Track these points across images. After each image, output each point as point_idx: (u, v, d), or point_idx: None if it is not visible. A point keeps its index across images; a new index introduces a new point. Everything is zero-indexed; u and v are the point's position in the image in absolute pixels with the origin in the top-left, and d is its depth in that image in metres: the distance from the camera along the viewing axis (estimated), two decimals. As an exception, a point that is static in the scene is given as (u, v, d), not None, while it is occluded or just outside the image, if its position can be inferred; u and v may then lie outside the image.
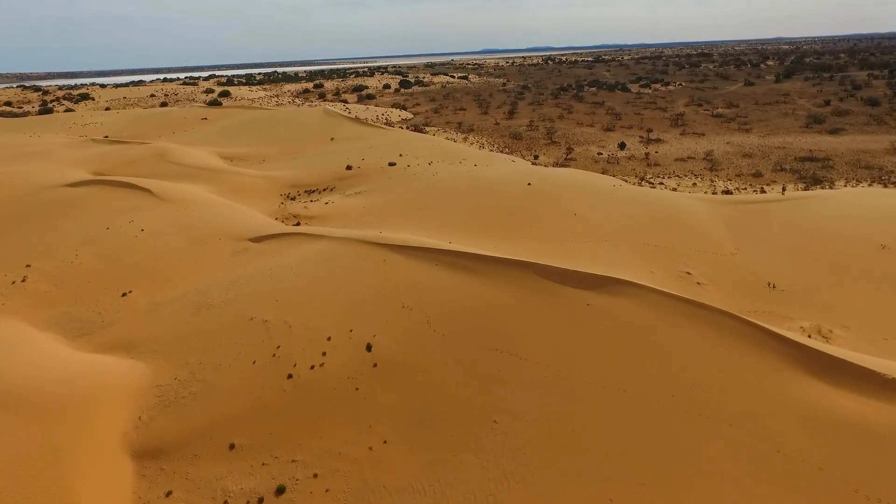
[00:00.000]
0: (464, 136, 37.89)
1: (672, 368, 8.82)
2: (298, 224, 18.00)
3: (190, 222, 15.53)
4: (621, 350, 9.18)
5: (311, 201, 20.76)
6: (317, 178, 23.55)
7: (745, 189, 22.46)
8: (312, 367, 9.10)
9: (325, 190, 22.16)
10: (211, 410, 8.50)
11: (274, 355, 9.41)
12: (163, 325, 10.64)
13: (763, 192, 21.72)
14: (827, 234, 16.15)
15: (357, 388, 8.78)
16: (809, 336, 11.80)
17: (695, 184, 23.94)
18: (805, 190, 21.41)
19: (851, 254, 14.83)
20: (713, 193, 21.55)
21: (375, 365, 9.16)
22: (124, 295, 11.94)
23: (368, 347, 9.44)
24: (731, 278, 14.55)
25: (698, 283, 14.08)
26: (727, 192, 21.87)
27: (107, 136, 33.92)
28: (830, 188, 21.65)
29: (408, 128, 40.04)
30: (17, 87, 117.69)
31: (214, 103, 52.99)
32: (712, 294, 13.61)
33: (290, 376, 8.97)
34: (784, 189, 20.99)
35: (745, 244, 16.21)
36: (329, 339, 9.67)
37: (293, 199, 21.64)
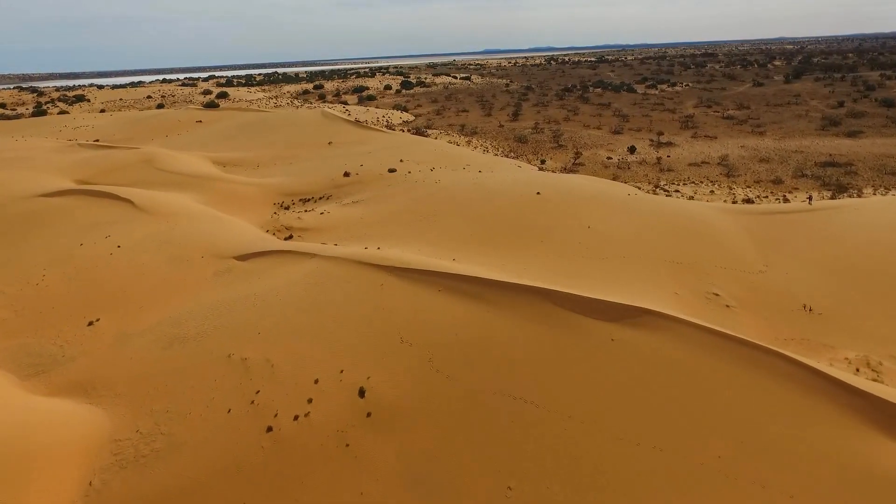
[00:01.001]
0: (467, 139, 36.62)
1: (714, 421, 7.53)
2: (291, 237, 16.75)
3: (171, 237, 14.28)
4: (654, 397, 7.90)
5: (306, 211, 19.51)
6: (312, 185, 22.30)
7: (767, 197, 21.15)
8: (296, 418, 7.82)
9: (321, 198, 20.91)
10: (175, 472, 7.23)
11: (252, 402, 8.14)
12: (129, 361, 9.38)
13: (786, 200, 20.39)
14: (862, 248, 14.83)
15: (347, 445, 7.50)
16: (857, 370, 10.53)
17: (712, 191, 22.62)
18: (832, 199, 20.08)
19: (892, 272, 13.54)
20: (733, 202, 20.24)
21: (369, 414, 7.89)
22: (91, 324, 10.69)
23: (361, 392, 8.17)
24: (762, 300, 13.24)
25: (728, 307, 12.79)
26: (748, 200, 20.56)
27: (97, 140, 32.73)
28: (859, 196, 20.34)
29: (409, 131, 38.79)
30: (14, 88, 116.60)
31: (211, 105, 51.78)
32: (744, 318, 12.33)
33: (269, 429, 7.70)
34: (811, 199, 19.65)
35: (773, 260, 14.91)
36: (316, 381, 8.40)
37: (287, 208, 20.40)
